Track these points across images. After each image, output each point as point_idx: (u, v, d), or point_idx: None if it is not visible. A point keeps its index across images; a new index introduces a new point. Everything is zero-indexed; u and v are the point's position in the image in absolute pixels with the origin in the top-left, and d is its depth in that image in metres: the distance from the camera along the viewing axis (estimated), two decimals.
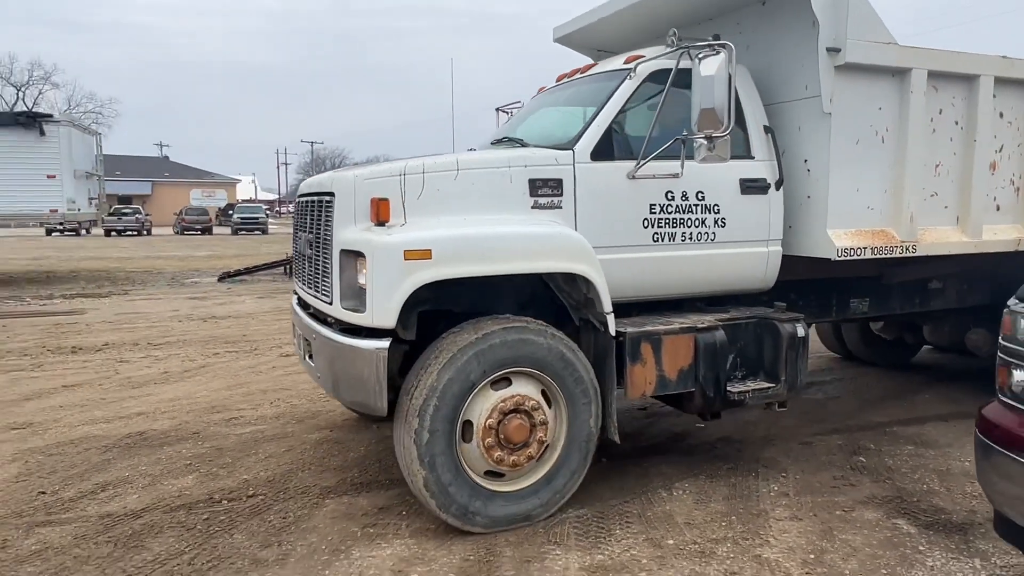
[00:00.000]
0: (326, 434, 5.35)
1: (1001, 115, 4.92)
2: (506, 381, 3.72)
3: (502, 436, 3.68)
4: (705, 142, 3.66)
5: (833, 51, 4.17)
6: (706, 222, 4.28)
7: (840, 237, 4.39)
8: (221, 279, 16.57)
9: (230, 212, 49.45)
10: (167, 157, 73.79)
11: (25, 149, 15.10)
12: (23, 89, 54.59)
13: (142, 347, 8.69)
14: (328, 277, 3.85)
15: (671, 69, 4.00)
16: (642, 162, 4.01)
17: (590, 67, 4.98)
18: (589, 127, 4.08)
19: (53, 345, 8.77)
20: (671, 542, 3.64)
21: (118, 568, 3.38)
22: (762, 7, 4.64)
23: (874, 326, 7.24)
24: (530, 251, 3.70)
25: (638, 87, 4.20)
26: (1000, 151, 4.97)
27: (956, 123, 4.76)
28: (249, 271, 17.29)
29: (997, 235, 4.99)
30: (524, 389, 3.73)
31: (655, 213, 4.14)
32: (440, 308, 3.89)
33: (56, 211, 15.64)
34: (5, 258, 23.37)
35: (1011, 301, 2.94)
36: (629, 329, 3.98)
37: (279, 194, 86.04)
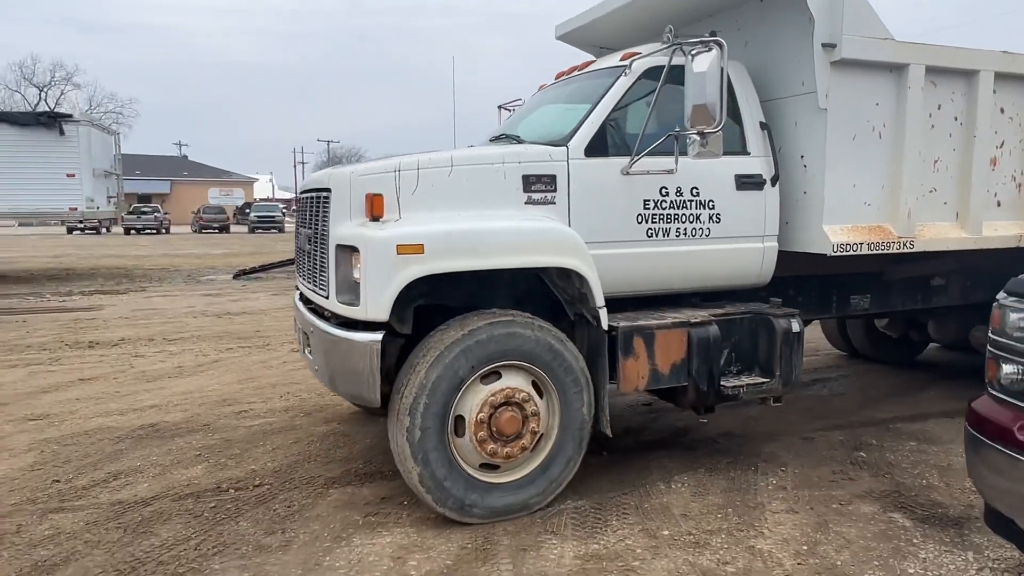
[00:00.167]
0: (333, 427, 5.45)
1: (1002, 110, 4.89)
2: (496, 375, 3.76)
3: (494, 429, 3.72)
4: (698, 138, 3.68)
5: (828, 47, 4.17)
6: (700, 218, 4.31)
7: (836, 233, 4.39)
8: (236, 276, 16.78)
9: (247, 211, 50.00)
10: (186, 156, 74.67)
11: (46, 149, 15.38)
12: (45, 90, 55.61)
13: (157, 342, 8.86)
14: (325, 271, 3.92)
15: (665, 66, 4.02)
16: (636, 158, 4.04)
17: (588, 64, 5.02)
18: (583, 123, 4.12)
19: (71, 340, 8.97)
20: (666, 533, 3.69)
21: (127, 552, 3.50)
22: (760, 3, 4.65)
23: (879, 323, 7.21)
24: (521, 246, 3.74)
25: (633, 84, 4.23)
26: (1001, 147, 4.94)
27: (955, 119, 4.73)
28: (264, 268, 17.47)
29: (998, 231, 4.96)
30: (513, 382, 3.78)
31: (649, 209, 4.17)
32: (438, 303, 3.94)
33: (75, 209, 15.90)
34: (27, 255, 23.78)
35: (1000, 295, 2.95)
36: (621, 323, 4.01)
37: (295, 193, 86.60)
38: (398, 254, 3.48)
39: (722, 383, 4.24)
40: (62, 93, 56.17)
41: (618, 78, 4.24)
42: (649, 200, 4.18)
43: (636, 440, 5.15)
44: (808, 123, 4.41)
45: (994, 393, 2.92)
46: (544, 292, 4.20)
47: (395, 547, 3.55)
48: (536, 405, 3.82)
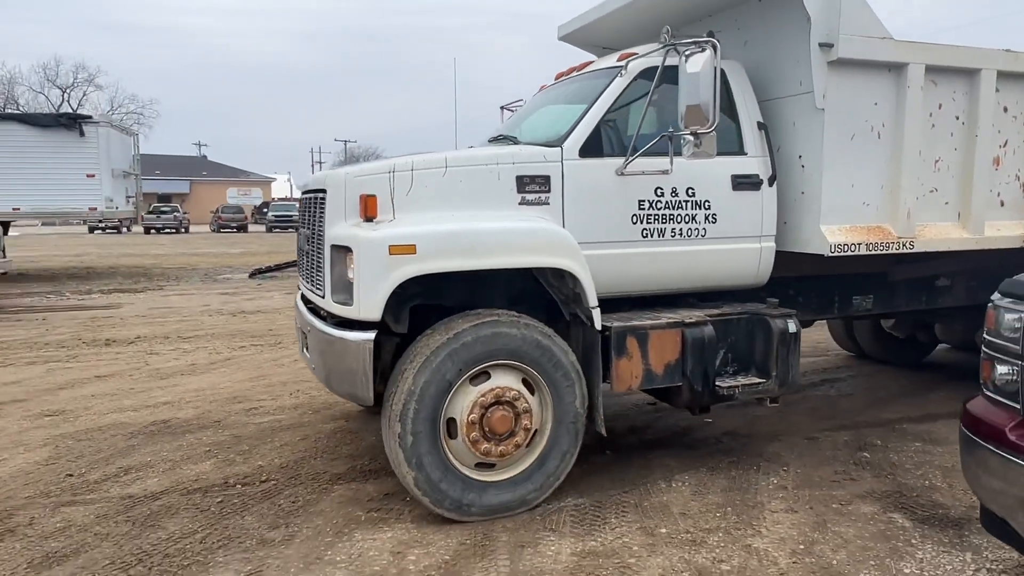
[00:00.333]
0: (341, 424, 5.54)
1: (1005, 109, 4.84)
2: (485, 375, 3.78)
3: (487, 429, 3.75)
4: (692, 138, 3.69)
5: (826, 47, 4.17)
6: (696, 218, 4.31)
7: (834, 233, 4.38)
8: (252, 275, 16.98)
9: (265, 210, 50.41)
10: (205, 156, 75.37)
11: (66, 149, 15.64)
12: (68, 91, 56.29)
13: (172, 340, 9.02)
14: (321, 271, 3.98)
15: (660, 66, 4.03)
16: (630, 159, 4.05)
17: (587, 65, 5.04)
18: (578, 124, 4.14)
19: (88, 338, 9.16)
20: (664, 531, 3.72)
21: (134, 545, 3.60)
22: (759, 3, 4.65)
23: (886, 324, 7.14)
24: (513, 246, 3.77)
25: (629, 84, 4.24)
26: (1004, 146, 4.89)
27: (957, 118, 4.70)
28: (279, 267, 17.66)
29: (1000, 231, 4.91)
30: (503, 381, 3.79)
31: (644, 209, 4.18)
32: (434, 303, 3.98)
33: (95, 209, 16.15)
34: (49, 254, 24.20)
35: (995, 296, 2.95)
36: (615, 323, 4.03)
37: None
38: (390, 254, 3.52)
39: (717, 383, 4.24)
40: (84, 94, 56.90)
41: (614, 79, 4.26)
42: (644, 200, 4.18)
43: (639, 439, 5.18)
44: (806, 123, 4.40)
45: (988, 394, 2.93)
46: (540, 292, 4.23)
47: (395, 542, 3.61)
48: (527, 402, 3.84)
